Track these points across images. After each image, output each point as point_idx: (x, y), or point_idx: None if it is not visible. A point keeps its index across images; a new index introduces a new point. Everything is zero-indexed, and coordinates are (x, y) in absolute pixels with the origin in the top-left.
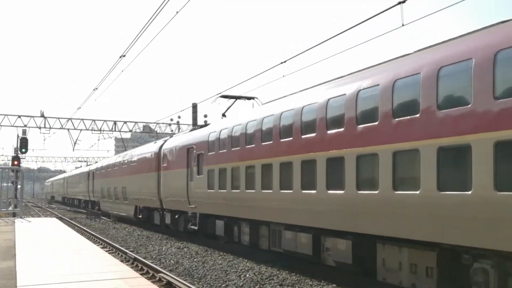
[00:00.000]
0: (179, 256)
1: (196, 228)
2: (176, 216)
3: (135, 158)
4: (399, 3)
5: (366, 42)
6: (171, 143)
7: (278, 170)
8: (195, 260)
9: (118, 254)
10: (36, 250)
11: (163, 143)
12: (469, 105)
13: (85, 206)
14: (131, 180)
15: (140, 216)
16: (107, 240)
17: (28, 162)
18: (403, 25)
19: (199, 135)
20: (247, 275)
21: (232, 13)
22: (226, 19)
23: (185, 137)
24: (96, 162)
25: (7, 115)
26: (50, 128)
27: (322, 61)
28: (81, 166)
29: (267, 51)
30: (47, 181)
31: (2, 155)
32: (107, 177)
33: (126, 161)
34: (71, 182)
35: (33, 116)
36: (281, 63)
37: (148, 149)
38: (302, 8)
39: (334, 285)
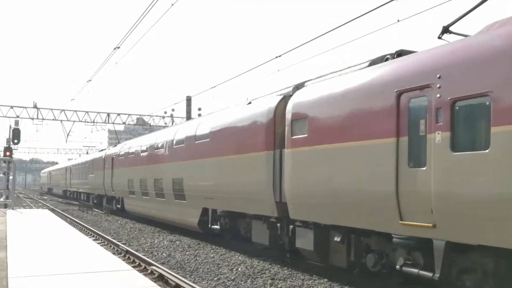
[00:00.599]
0: (171, 249)
1: (436, 276)
2: (338, 239)
3: (205, 132)
4: None
5: (362, 37)
6: (323, 91)
7: None
8: (187, 253)
9: (110, 246)
10: (28, 242)
11: (291, 96)
12: None
13: (98, 203)
14: (197, 168)
15: (217, 226)
16: (99, 232)
17: (20, 153)
18: (398, 20)
19: (454, 55)
20: (239, 269)
21: (228, 6)
22: (222, 11)
23: (381, 72)
24: (115, 145)
25: None
26: (43, 119)
27: (317, 56)
28: (75, 158)
29: (262, 44)
30: (43, 171)
31: None
32: (140, 163)
33: (183, 138)
34: (77, 172)
35: (25, 107)
36: (276, 57)
37: (237, 114)
38: (301, 4)
39: (326, 280)
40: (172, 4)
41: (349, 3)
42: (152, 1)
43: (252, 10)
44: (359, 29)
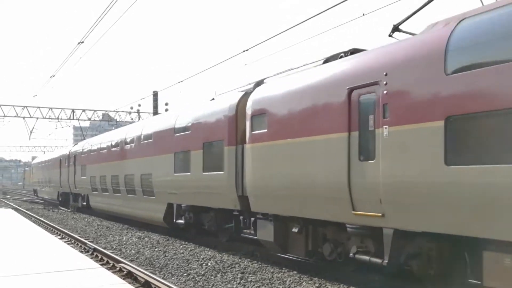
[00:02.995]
0: (140, 246)
1: (385, 261)
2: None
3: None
4: None
5: (328, 31)
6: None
7: None
8: (156, 249)
9: (78, 244)
10: None
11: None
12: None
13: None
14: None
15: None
16: (66, 231)
17: None
18: (363, 14)
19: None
20: (209, 264)
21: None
22: (189, 5)
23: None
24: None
25: None
26: (5, 116)
27: (285, 49)
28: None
29: (229, 38)
30: (35, 161)
31: None
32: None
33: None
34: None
35: None
36: (244, 51)
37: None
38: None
39: (295, 272)
40: None
41: None
42: None
43: (219, 4)
44: (325, 24)
